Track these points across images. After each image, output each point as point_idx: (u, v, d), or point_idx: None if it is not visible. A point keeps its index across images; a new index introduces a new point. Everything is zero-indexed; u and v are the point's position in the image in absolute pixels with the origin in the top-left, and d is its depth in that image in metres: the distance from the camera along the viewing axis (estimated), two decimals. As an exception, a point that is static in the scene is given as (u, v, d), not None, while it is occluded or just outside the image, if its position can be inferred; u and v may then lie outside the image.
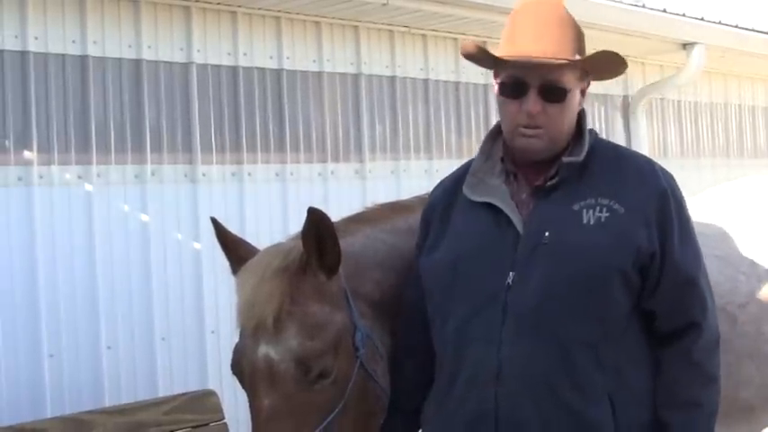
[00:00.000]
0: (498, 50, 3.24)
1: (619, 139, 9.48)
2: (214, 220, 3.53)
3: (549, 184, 3.18)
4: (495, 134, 3.40)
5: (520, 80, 3.13)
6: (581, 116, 3.30)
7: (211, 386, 5.80)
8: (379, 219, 3.69)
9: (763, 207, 5.00)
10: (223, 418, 5.44)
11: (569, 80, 3.16)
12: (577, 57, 3.18)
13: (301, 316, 3.15)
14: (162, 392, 5.75)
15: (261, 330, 3.14)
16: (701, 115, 10.97)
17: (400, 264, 3.52)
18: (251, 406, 3.18)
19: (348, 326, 3.24)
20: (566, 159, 3.18)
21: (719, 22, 9.88)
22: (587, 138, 3.25)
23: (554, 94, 3.13)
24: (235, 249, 3.45)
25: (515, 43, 3.17)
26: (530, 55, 3.11)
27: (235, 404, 5.99)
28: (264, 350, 3.13)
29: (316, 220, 3.15)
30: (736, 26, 10.12)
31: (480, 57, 3.32)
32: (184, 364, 5.99)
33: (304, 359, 3.11)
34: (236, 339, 3.28)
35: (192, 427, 5.30)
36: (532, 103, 3.11)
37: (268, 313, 3.12)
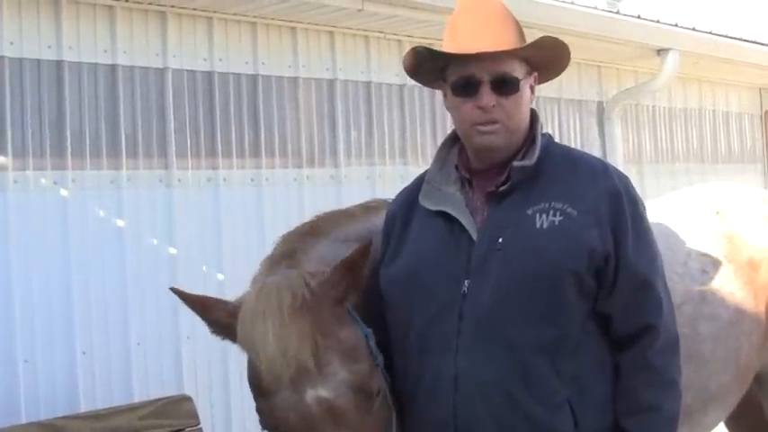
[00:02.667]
0: (443, 49, 3.26)
1: (594, 144, 9.52)
2: (175, 291, 3.24)
3: (501, 189, 3.18)
4: (450, 142, 3.42)
5: (470, 77, 3.14)
6: (533, 119, 3.31)
7: (187, 391, 5.78)
8: (331, 228, 3.61)
9: (706, 212, 5.06)
10: (198, 424, 5.43)
11: (518, 71, 3.17)
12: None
13: (337, 345, 3.03)
14: (137, 398, 5.71)
15: (302, 375, 2.95)
16: (676, 121, 11.02)
17: None
18: None
19: (362, 336, 3.17)
20: (517, 164, 3.17)
21: (693, 29, 9.93)
22: (539, 141, 3.25)
23: (506, 85, 3.14)
24: (210, 311, 3.22)
25: (459, 41, 3.19)
26: (478, 48, 3.12)
27: (210, 409, 6.02)
28: (314, 393, 2.95)
29: (365, 252, 3.10)
30: (710, 32, 10.18)
31: (424, 64, 3.32)
32: (160, 370, 5.97)
33: (359, 384, 3.01)
34: (261, 400, 3.06)
35: (168, 433, 5.30)
36: (486, 97, 3.12)
37: (307, 355, 2.95)
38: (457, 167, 3.31)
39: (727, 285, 4.78)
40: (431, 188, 3.32)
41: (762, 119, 12.57)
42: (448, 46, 3.24)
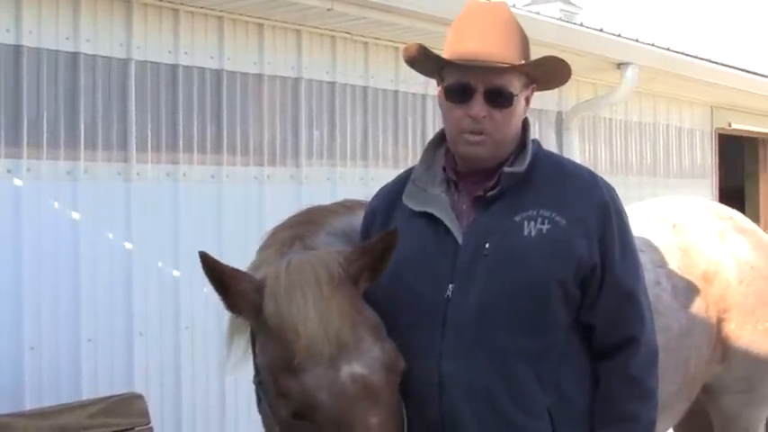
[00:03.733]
0: (444, 54, 3.23)
1: (551, 153, 9.55)
2: (203, 255, 3.00)
3: (489, 194, 3.17)
4: (438, 142, 3.39)
5: (465, 84, 3.12)
6: (525, 126, 3.28)
7: (138, 389, 5.69)
8: (321, 221, 3.59)
9: (662, 225, 5.16)
10: (149, 423, 5.37)
11: (515, 86, 3.15)
12: (523, 62, 3.18)
13: (366, 322, 3.02)
14: (86, 395, 5.61)
15: (340, 351, 2.90)
16: (631, 134, 11.18)
17: None
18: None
19: None
20: (507, 169, 3.16)
21: (653, 44, 10.12)
22: (530, 148, 3.24)
23: (500, 99, 3.11)
24: (238, 282, 3.03)
25: (461, 47, 3.16)
26: (476, 58, 3.11)
27: (161, 408, 5.93)
28: (349, 370, 2.89)
29: (392, 237, 3.04)
30: (668, 49, 10.37)
31: (423, 61, 3.30)
32: (111, 367, 5.86)
33: (391, 361, 2.98)
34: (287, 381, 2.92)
35: None
36: (478, 107, 3.09)
37: (347, 332, 2.91)
38: (444, 169, 3.30)
39: (681, 297, 4.87)
40: (416, 188, 3.30)
41: (712, 135, 12.78)
42: (448, 48, 3.22)
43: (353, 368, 2.89)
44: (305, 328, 2.88)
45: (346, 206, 3.78)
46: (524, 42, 3.23)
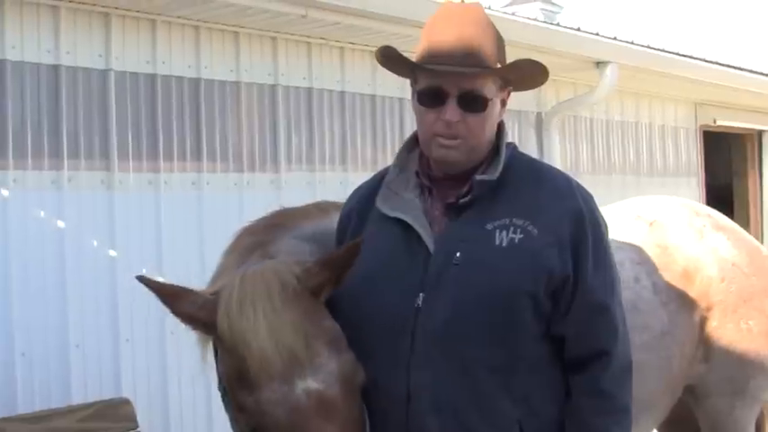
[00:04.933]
0: (416, 56, 3.12)
1: (532, 154, 9.54)
2: (142, 279, 2.99)
3: (461, 201, 3.09)
4: (411, 146, 3.28)
5: (438, 89, 3.02)
6: (500, 130, 3.19)
7: (125, 394, 5.76)
8: (287, 223, 3.52)
9: (640, 222, 5.11)
10: (137, 427, 5.42)
11: (490, 89, 3.06)
12: (498, 65, 3.09)
13: (323, 335, 2.92)
14: (76, 400, 5.69)
15: (293, 366, 2.83)
16: (613, 133, 11.13)
17: None
18: None
19: None
20: (479, 177, 3.08)
21: (632, 42, 10.06)
22: (503, 154, 3.15)
23: (474, 103, 3.02)
24: (180, 302, 2.98)
25: (433, 49, 3.06)
26: (449, 62, 3.00)
27: (149, 412, 6.00)
28: (303, 385, 2.82)
29: (354, 250, 2.99)
30: (648, 46, 10.31)
31: (396, 63, 3.22)
32: (99, 372, 5.95)
33: (347, 375, 2.90)
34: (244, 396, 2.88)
35: (106, 436, 5.28)
36: (451, 112, 3.00)
37: (300, 345, 2.83)
38: (417, 174, 3.22)
39: (661, 295, 4.80)
40: (389, 192, 3.21)
41: (696, 133, 12.72)
42: (421, 52, 3.12)
43: (308, 383, 2.82)
44: (256, 342, 2.83)
45: (320, 208, 3.70)
46: (499, 44, 3.14)
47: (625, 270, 4.62)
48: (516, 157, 3.22)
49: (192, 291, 3.04)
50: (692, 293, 4.91)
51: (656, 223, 5.11)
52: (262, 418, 2.83)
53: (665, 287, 4.84)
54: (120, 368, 6.05)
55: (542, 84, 3.29)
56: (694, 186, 12.52)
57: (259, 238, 3.37)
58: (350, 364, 2.92)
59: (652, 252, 4.92)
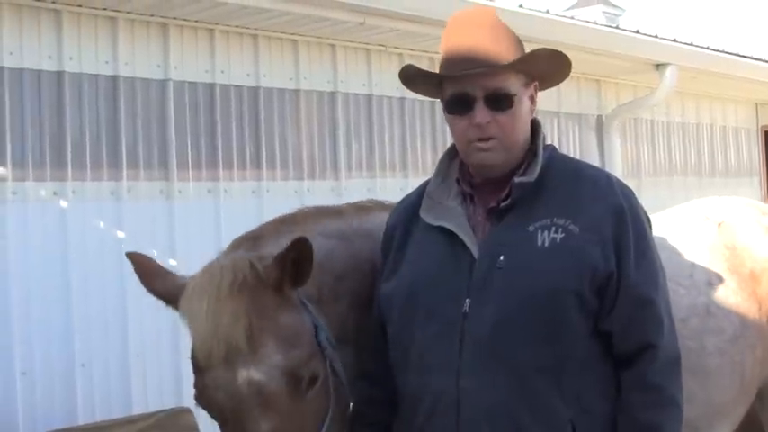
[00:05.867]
0: (438, 69, 3.17)
1: (592, 158, 9.54)
2: (130, 255, 3.26)
3: (502, 205, 3.10)
4: (451, 155, 3.32)
5: (464, 94, 3.06)
6: (536, 130, 3.22)
7: (186, 404, 5.74)
8: (308, 221, 3.53)
9: (708, 224, 5.04)
10: (198, 436, 5.40)
11: (514, 86, 3.09)
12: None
13: (275, 328, 2.96)
14: (136, 410, 5.71)
15: (234, 354, 2.88)
16: (674, 135, 11.10)
17: (337, 267, 3.41)
18: None
19: (311, 327, 3.10)
20: (518, 180, 3.10)
21: (691, 44, 10.04)
22: (540, 155, 3.17)
23: (500, 101, 3.06)
24: (152, 280, 3.20)
25: (451, 58, 3.10)
26: (468, 66, 3.04)
27: (210, 422, 5.97)
28: (245, 374, 2.87)
29: (300, 246, 2.96)
30: (708, 48, 10.28)
31: (421, 81, 3.25)
32: (159, 382, 5.96)
33: (292, 370, 2.91)
34: (196, 376, 3.00)
35: (167, 445, 5.28)
36: (480, 114, 3.03)
37: (239, 334, 2.88)
38: (458, 181, 3.24)
39: (732, 298, 4.70)
40: (432, 202, 3.24)
41: (758, 133, 12.65)
42: (441, 64, 3.17)
43: (250, 373, 2.87)
44: (198, 328, 2.93)
45: (361, 207, 3.72)
46: (515, 42, 3.17)
47: (697, 274, 4.60)
48: (555, 157, 3.24)
49: (170, 272, 3.24)
50: (760, 294, 4.82)
51: (725, 224, 5.05)
52: (206, 400, 2.96)
53: (736, 290, 4.76)
54: (181, 377, 6.02)
55: (567, 75, 3.30)
56: (756, 186, 12.50)
57: (260, 233, 3.43)
58: (299, 359, 2.94)
59: (722, 254, 4.87)
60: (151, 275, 3.21)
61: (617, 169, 9.60)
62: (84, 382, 5.64)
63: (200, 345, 2.92)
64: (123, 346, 5.83)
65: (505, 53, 3.09)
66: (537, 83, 3.21)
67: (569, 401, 3.01)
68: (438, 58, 3.27)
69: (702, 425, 4.34)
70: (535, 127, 3.23)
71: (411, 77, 3.27)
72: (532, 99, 3.20)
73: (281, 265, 3.00)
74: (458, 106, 3.09)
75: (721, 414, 4.53)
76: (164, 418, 5.38)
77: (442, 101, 3.21)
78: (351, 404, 3.28)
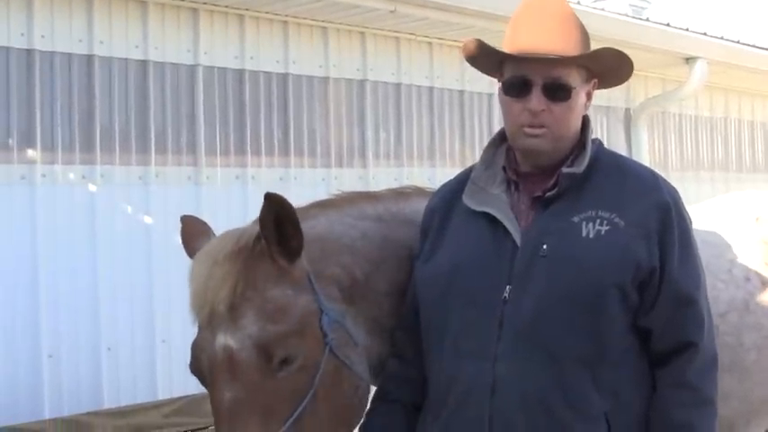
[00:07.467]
0: (502, 50, 3.16)
1: (620, 150, 9.46)
2: (184, 217, 3.36)
3: (548, 194, 3.08)
4: (498, 142, 3.29)
5: (523, 78, 3.04)
6: (585, 124, 3.21)
7: (211, 390, 5.76)
8: (344, 204, 3.50)
9: (745, 218, 5.00)
10: (222, 422, 5.39)
11: (574, 79, 3.07)
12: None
13: (259, 300, 2.96)
14: (161, 395, 5.72)
15: (215, 319, 2.93)
16: (702, 129, 11.03)
17: (373, 251, 3.37)
18: (212, 402, 2.95)
19: (314, 310, 3.06)
20: (566, 170, 3.08)
21: (722, 38, 9.96)
22: (589, 148, 3.16)
23: (559, 92, 3.04)
24: (198, 242, 3.18)
25: (518, 41, 3.08)
26: (534, 51, 3.04)
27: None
28: (222, 340, 2.91)
29: (275, 204, 2.96)
30: (738, 42, 10.21)
31: (482, 56, 3.23)
32: (185, 367, 5.90)
33: (265, 344, 2.91)
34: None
35: (192, 431, 5.28)
36: (536, 101, 3.02)
37: (221, 299, 2.92)
38: (504, 169, 3.21)
39: None
40: (475, 188, 3.21)
41: (787, 129, 12.54)
42: (506, 43, 3.15)
43: (226, 339, 2.91)
44: (192, 289, 2.99)
45: (400, 192, 3.67)
46: (584, 36, 3.15)
47: (736, 269, 4.55)
48: (602, 151, 3.21)
49: (211, 235, 3.25)
50: None
51: (762, 218, 5.00)
52: (192, 359, 3.00)
53: None
54: (206, 363, 6.03)
55: (628, 77, 3.28)
56: (783, 183, 12.31)
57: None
58: (276, 335, 2.93)
59: (760, 249, 4.82)
60: (192, 236, 3.25)
61: (644, 163, 9.54)
62: (110, 366, 5.65)
63: (191, 306, 2.99)
64: (149, 330, 5.84)
65: (573, 46, 3.08)
66: (596, 80, 3.20)
67: (605, 395, 2.99)
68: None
69: (739, 422, 4.29)
70: (585, 122, 3.21)
71: (474, 51, 3.23)
72: (589, 95, 3.18)
73: (262, 227, 2.97)
74: (515, 89, 3.07)
75: (758, 411, 4.49)
76: (188, 403, 5.40)
77: (499, 80, 3.18)
78: (363, 394, 3.23)
